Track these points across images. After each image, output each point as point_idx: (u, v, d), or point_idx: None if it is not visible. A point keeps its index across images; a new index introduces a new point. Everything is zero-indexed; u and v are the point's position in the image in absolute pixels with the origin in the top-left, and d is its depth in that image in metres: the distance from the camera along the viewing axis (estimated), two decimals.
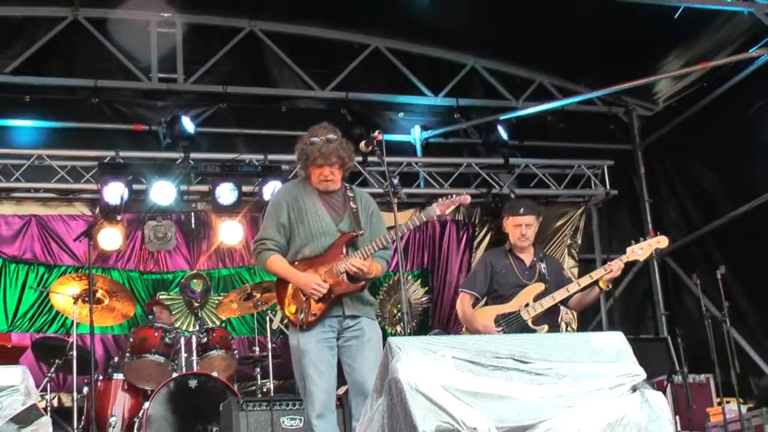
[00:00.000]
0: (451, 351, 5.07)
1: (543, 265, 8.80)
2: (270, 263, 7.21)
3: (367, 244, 7.08)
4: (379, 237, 7.13)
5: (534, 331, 8.39)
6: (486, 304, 8.77)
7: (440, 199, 7.33)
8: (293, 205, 7.24)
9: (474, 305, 8.78)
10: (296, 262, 7.17)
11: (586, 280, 8.59)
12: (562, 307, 9.00)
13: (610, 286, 8.63)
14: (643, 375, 5.22)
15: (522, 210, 8.81)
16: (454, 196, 7.33)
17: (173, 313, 12.22)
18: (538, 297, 8.52)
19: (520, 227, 8.77)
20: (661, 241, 8.62)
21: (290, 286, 7.19)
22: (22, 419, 5.05)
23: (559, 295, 8.50)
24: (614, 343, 5.40)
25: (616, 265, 8.41)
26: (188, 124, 13.14)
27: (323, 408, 6.85)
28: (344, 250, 7.11)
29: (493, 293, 8.74)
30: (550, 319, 8.64)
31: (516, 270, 8.73)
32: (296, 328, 7.03)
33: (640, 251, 8.53)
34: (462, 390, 4.91)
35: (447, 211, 7.29)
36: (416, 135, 15.07)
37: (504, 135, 14.40)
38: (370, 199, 7.52)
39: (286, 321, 7.47)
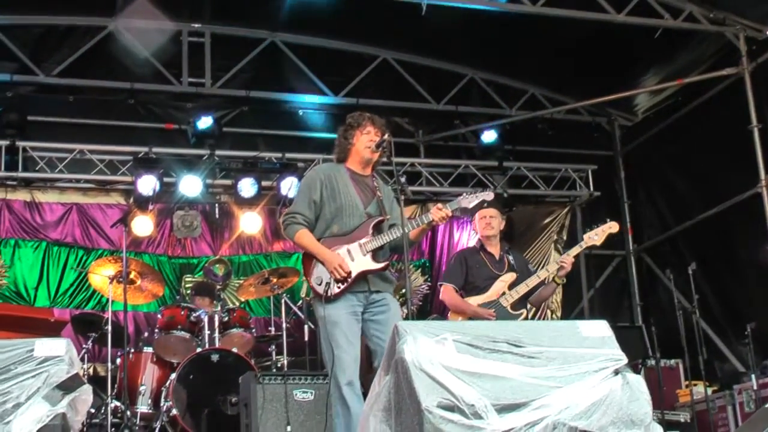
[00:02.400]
0: (452, 335, 5.07)
1: (510, 257, 8.85)
2: (298, 237, 7.05)
3: (391, 228, 6.98)
4: (415, 220, 7.05)
5: (514, 316, 8.46)
6: (463, 296, 8.70)
7: (465, 194, 7.31)
8: (326, 183, 7.11)
9: None
10: (324, 238, 7.04)
11: (544, 274, 8.64)
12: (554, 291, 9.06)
13: (565, 281, 8.66)
14: (625, 360, 5.22)
15: (486, 204, 8.85)
16: (479, 191, 7.29)
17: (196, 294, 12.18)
18: (512, 285, 8.55)
19: (485, 218, 8.86)
20: (613, 227, 8.61)
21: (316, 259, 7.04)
22: (67, 386, 5.06)
23: (532, 281, 8.53)
24: (599, 331, 5.39)
25: (568, 261, 8.47)
26: (205, 122, 13.20)
27: (352, 375, 6.71)
28: (370, 231, 7.01)
29: (469, 285, 8.72)
30: (524, 305, 8.66)
31: (488, 263, 8.76)
32: (321, 300, 6.92)
33: (595, 237, 8.56)
34: (462, 370, 4.90)
35: (470, 205, 7.24)
36: (419, 138, 15.08)
37: (492, 139, 14.50)
38: (390, 190, 7.44)
39: (312, 294, 7.34)
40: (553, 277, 8.57)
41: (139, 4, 12.55)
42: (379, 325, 6.93)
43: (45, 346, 5.14)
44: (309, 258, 7.10)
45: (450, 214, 7.01)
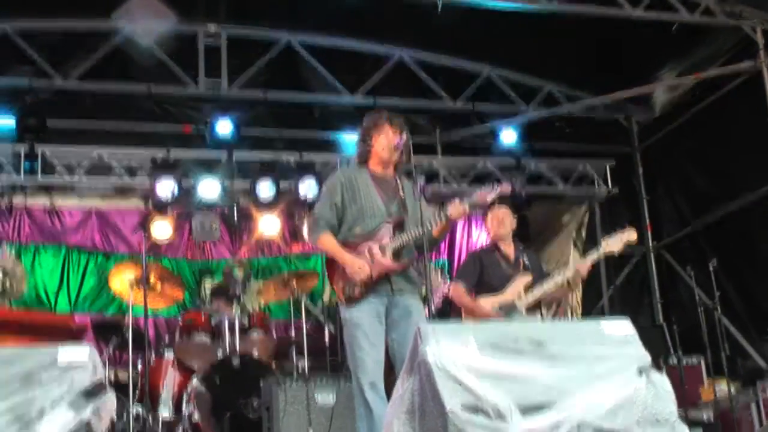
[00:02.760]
0: (475, 336, 5.06)
1: (525, 258, 8.83)
2: (321, 241, 7.14)
3: (413, 228, 6.96)
4: (435, 218, 7.01)
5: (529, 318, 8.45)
6: (478, 294, 8.69)
7: (482, 187, 7.25)
8: (347, 185, 7.17)
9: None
10: (347, 240, 7.08)
11: (561, 278, 8.55)
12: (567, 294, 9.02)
13: (579, 286, 8.65)
14: (648, 358, 5.20)
15: (497, 203, 8.84)
16: (495, 185, 7.21)
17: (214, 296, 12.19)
18: (528, 287, 8.52)
19: (497, 217, 8.91)
20: (630, 235, 8.53)
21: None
22: (91, 393, 5.06)
23: (548, 285, 8.49)
24: (622, 329, 5.37)
25: (584, 270, 8.44)
26: (224, 127, 13.22)
27: (374, 377, 6.73)
28: (391, 232, 7.04)
29: (484, 285, 8.70)
30: (538, 309, 8.66)
31: (503, 263, 8.76)
32: (344, 302, 6.96)
33: (613, 244, 8.49)
34: (485, 371, 4.89)
35: (489, 199, 7.15)
36: (436, 136, 15.07)
37: (512, 140, 14.49)
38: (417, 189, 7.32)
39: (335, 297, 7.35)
40: (569, 282, 8.53)
41: (155, 7, 12.58)
42: (399, 328, 6.95)
43: (68, 353, 5.15)
44: (332, 262, 7.14)
45: (467, 210, 7.00)
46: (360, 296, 6.92)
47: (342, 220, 7.19)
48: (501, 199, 8.76)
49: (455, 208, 6.94)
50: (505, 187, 7.31)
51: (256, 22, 13.82)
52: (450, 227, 7.24)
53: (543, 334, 5.21)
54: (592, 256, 8.53)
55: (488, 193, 7.15)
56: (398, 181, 7.32)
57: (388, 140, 7.18)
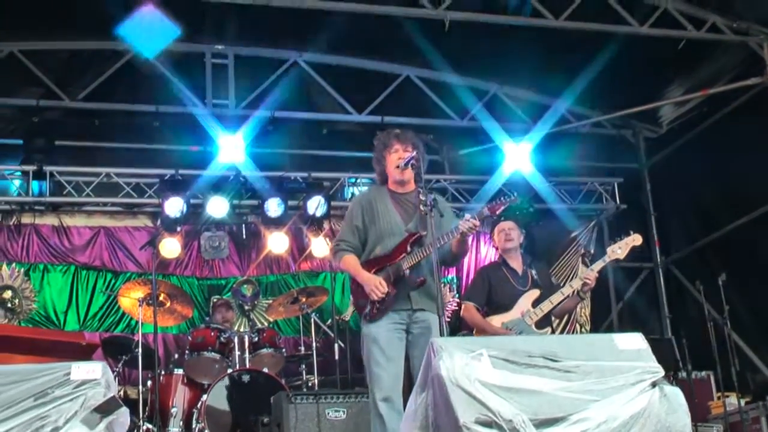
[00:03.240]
0: (488, 350, 5.07)
1: (533, 272, 8.78)
2: (343, 263, 7.22)
3: (431, 244, 6.91)
4: (451, 229, 7.01)
5: (539, 335, 8.35)
6: (487, 314, 8.65)
7: (491, 203, 7.23)
8: (367, 208, 7.23)
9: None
10: (368, 261, 7.14)
11: (568, 290, 8.56)
12: (578, 309, 8.99)
13: (589, 296, 8.63)
14: (662, 372, 5.21)
15: (503, 217, 8.83)
16: (503, 199, 7.21)
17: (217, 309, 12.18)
18: (536, 302, 8.49)
19: (504, 231, 8.85)
20: (636, 239, 8.56)
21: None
22: (104, 409, 5.08)
23: (556, 298, 8.47)
24: (635, 343, 5.39)
25: (591, 277, 8.42)
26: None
27: (389, 391, 6.72)
28: (408, 248, 7.03)
29: (494, 304, 8.65)
30: (548, 322, 8.64)
31: (511, 279, 8.70)
32: (364, 319, 7.02)
33: (619, 250, 8.51)
34: (498, 386, 4.91)
35: (497, 212, 7.17)
36: (444, 155, 15.07)
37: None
38: (442, 201, 7.38)
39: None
40: (578, 292, 8.52)
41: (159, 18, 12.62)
42: (419, 344, 6.92)
43: (82, 370, 5.17)
44: (355, 282, 7.20)
45: (478, 224, 6.99)
46: (377, 314, 6.96)
47: (365, 242, 7.25)
48: (507, 214, 8.79)
49: (466, 224, 6.92)
50: (513, 200, 7.32)
51: (264, 41, 13.84)
52: (465, 242, 7.22)
53: (556, 348, 5.21)
54: (599, 264, 8.52)
55: (496, 207, 7.17)
56: (421, 196, 7.30)
57: (399, 157, 7.20)
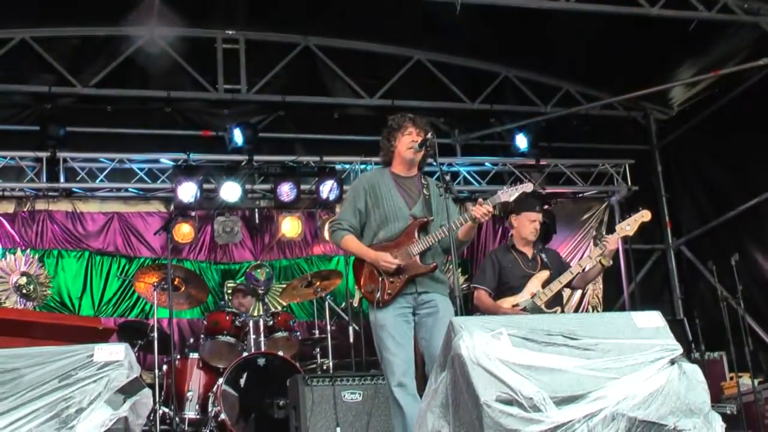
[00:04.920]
0: (508, 329, 5.10)
1: (543, 255, 8.77)
2: (344, 242, 7.16)
3: (439, 228, 6.98)
4: (458, 217, 7.02)
5: (549, 314, 8.32)
6: (497, 297, 8.63)
7: (504, 187, 7.28)
8: (370, 191, 7.18)
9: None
10: (372, 245, 7.09)
11: (586, 261, 8.61)
12: (589, 290, 8.97)
13: (611, 262, 8.58)
14: (680, 349, 5.24)
15: (537, 207, 8.86)
16: (518, 184, 7.23)
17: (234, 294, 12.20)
18: (545, 283, 8.49)
19: (534, 222, 8.80)
20: (645, 215, 8.57)
21: (366, 266, 7.09)
22: (127, 390, 5.12)
23: (565, 278, 8.46)
24: (653, 321, 5.42)
25: (612, 240, 8.43)
26: (238, 136, 13.30)
27: (403, 376, 6.73)
28: (416, 235, 7.03)
29: (503, 286, 8.64)
30: (558, 302, 8.67)
31: (520, 262, 8.69)
32: (373, 305, 6.96)
33: (628, 227, 8.53)
34: (518, 364, 4.93)
35: (511, 198, 7.19)
36: (456, 138, 15.08)
37: (524, 144, 14.54)
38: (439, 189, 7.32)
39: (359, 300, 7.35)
40: (600, 260, 8.50)
41: (173, 13, 12.65)
42: (426, 326, 6.97)
43: (105, 351, 5.21)
44: (360, 266, 7.18)
45: (492, 210, 6.98)
46: (388, 300, 6.94)
47: (366, 225, 7.22)
48: (529, 204, 8.81)
49: (479, 209, 6.92)
50: (527, 186, 7.32)
51: (274, 26, 13.86)
52: (476, 228, 7.23)
53: (575, 326, 5.24)
54: (618, 234, 8.51)
55: (511, 192, 7.18)
56: (422, 181, 7.33)
57: (411, 140, 7.18)
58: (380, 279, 6.97)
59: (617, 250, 8.83)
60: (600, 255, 8.45)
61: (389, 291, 6.93)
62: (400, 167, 7.31)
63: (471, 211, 6.95)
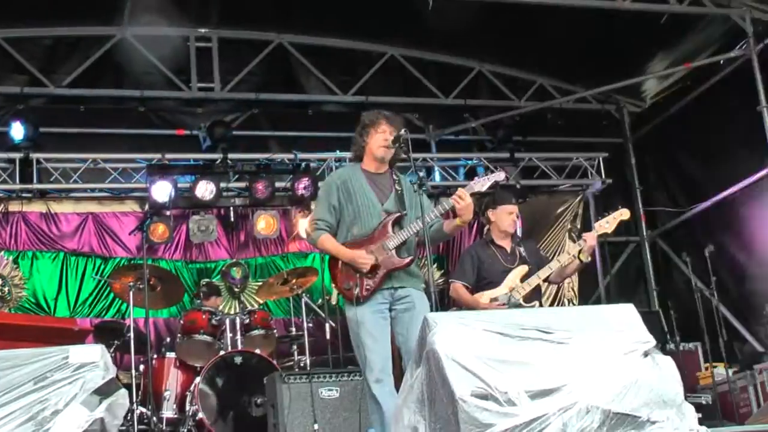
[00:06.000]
0: (482, 324, 5.12)
1: (521, 249, 8.76)
2: (321, 242, 7.15)
3: (413, 222, 6.99)
4: (432, 210, 7.05)
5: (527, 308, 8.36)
6: (476, 291, 8.60)
7: (476, 177, 7.30)
8: (342, 187, 7.16)
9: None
10: (346, 242, 7.08)
11: (565, 257, 8.56)
12: (564, 284, 8.97)
13: (589, 258, 8.58)
14: (653, 342, 5.28)
15: (513, 199, 8.88)
16: (490, 173, 7.27)
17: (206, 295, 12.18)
18: (524, 278, 8.49)
19: (512, 215, 8.79)
20: (624, 214, 8.55)
21: (341, 263, 7.07)
22: (104, 391, 5.12)
23: (543, 273, 8.45)
24: (626, 314, 5.45)
25: (590, 237, 8.44)
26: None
27: (380, 373, 6.73)
28: (391, 229, 7.04)
29: (483, 281, 8.61)
30: (537, 296, 8.64)
31: (500, 256, 8.66)
32: (351, 302, 6.95)
33: (606, 224, 8.50)
34: (493, 358, 4.95)
35: (484, 188, 7.19)
36: (430, 133, 15.12)
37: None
38: (411, 184, 7.33)
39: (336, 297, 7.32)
40: (578, 255, 8.51)
41: (146, 12, 12.63)
42: (402, 322, 6.97)
43: (80, 353, 5.20)
44: (336, 263, 7.17)
45: (470, 201, 7.00)
46: (366, 296, 6.93)
47: (340, 222, 7.20)
48: (505, 197, 8.84)
49: (459, 200, 6.93)
50: (499, 175, 7.34)
51: (247, 24, 13.86)
52: (463, 227, 7.26)
53: (549, 320, 5.27)
54: (597, 231, 8.53)
55: (483, 182, 7.21)
56: (393, 176, 7.35)
57: (384, 138, 7.19)
58: (357, 276, 6.96)
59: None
60: (578, 251, 8.47)
61: (367, 287, 6.92)
62: (371, 164, 7.30)
63: (451, 200, 6.95)
